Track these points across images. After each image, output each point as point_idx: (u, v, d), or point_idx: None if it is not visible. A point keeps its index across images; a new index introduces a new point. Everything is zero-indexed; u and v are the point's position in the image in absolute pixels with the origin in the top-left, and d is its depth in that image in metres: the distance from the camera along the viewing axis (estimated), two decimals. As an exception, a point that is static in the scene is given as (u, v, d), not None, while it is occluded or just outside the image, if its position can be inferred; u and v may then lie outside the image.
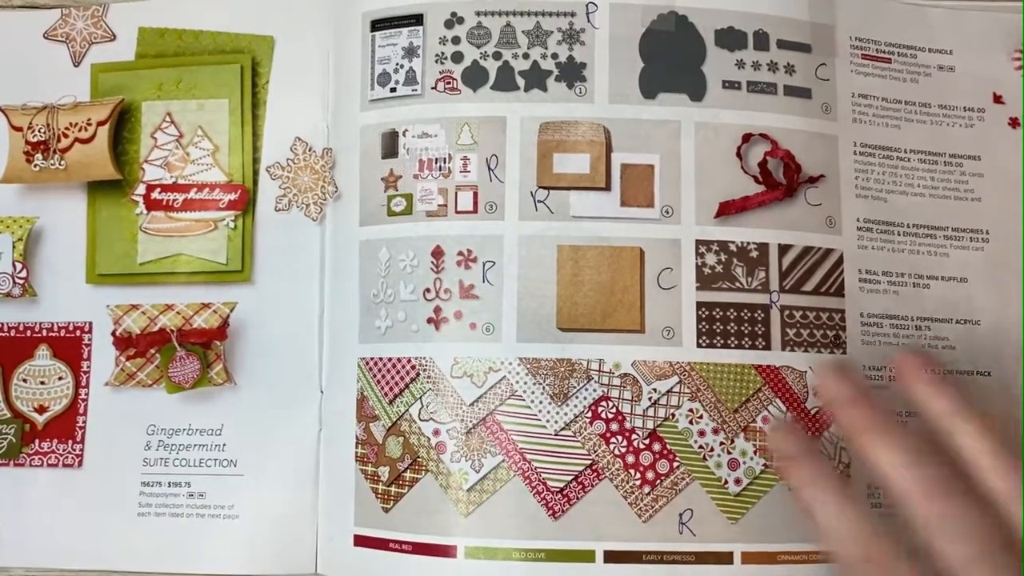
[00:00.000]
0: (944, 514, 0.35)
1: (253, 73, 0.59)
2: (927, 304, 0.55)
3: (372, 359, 0.53)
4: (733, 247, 0.53)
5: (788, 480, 0.42)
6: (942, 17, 0.58)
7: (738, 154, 0.53)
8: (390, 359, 0.53)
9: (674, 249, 0.52)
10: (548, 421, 0.51)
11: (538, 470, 0.51)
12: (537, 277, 0.52)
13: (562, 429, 0.51)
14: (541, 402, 0.51)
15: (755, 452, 0.51)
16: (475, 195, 0.53)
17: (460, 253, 0.52)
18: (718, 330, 0.52)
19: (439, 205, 0.53)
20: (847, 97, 0.56)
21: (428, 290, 0.53)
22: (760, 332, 0.52)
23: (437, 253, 0.53)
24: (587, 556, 0.50)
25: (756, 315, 0.52)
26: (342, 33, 0.57)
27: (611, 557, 0.50)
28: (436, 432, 0.52)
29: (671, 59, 0.54)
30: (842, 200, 0.54)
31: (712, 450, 0.51)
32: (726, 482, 0.51)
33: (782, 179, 0.53)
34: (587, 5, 0.54)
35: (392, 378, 0.53)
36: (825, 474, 0.39)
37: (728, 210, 0.53)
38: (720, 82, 0.54)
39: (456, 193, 0.53)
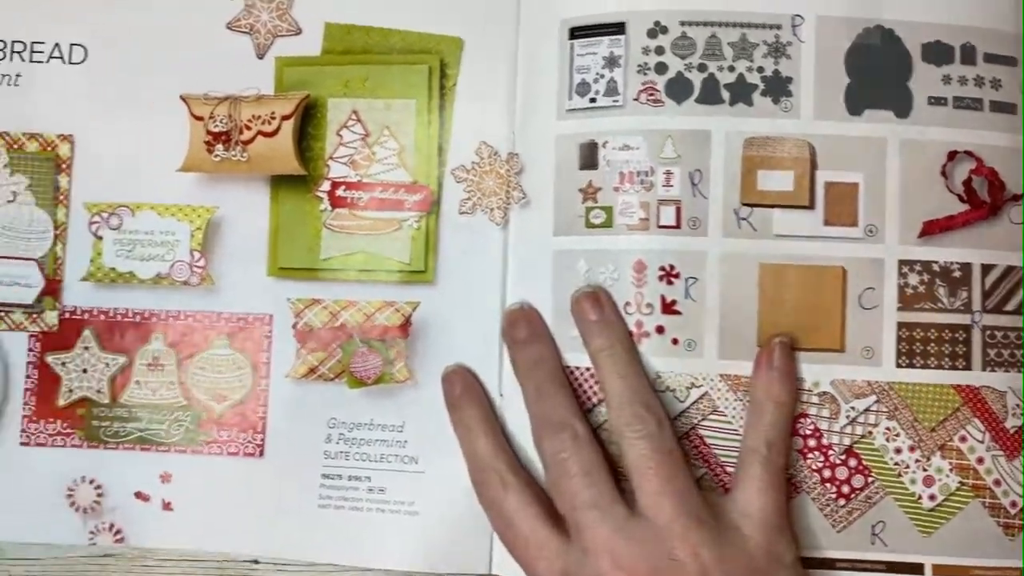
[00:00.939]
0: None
1: (441, 75, 0.59)
2: None
3: (566, 367, 0.54)
4: (936, 267, 0.53)
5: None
6: None
7: (943, 172, 0.53)
8: (588, 369, 0.53)
9: (877, 269, 0.53)
10: (749, 437, 0.52)
11: (738, 484, 0.51)
12: (739, 295, 0.52)
13: (762, 445, 0.51)
14: (742, 418, 0.52)
15: (951, 470, 0.52)
16: (678, 210, 0.53)
17: (662, 268, 0.53)
18: (918, 350, 0.52)
19: (641, 219, 0.53)
20: (1047, 110, 0.55)
21: (628, 304, 0.53)
22: (961, 352, 0.52)
23: (639, 267, 0.53)
24: (783, 566, 0.51)
25: (957, 335, 0.52)
26: (535, 39, 0.57)
27: (805, 564, 0.51)
28: (635, 443, 0.52)
29: (877, 74, 0.53)
30: (1045, 218, 0.54)
31: (908, 467, 0.52)
32: (920, 497, 0.52)
33: (986, 197, 0.53)
34: (793, 18, 0.54)
35: (590, 388, 0.53)
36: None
37: (932, 229, 0.53)
38: (926, 98, 0.53)
39: (658, 207, 0.53)
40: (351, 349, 0.57)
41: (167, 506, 0.58)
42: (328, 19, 0.60)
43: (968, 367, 0.53)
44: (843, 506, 0.52)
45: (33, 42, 0.60)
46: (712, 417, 0.52)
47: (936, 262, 0.53)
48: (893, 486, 0.52)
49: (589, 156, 0.55)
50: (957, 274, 0.53)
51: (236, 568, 0.58)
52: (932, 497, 0.52)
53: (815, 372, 0.52)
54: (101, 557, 0.58)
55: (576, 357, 0.54)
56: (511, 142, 0.58)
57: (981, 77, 0.54)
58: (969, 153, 0.54)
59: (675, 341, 0.53)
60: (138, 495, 0.58)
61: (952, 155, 0.54)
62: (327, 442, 0.58)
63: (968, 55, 0.54)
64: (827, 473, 0.52)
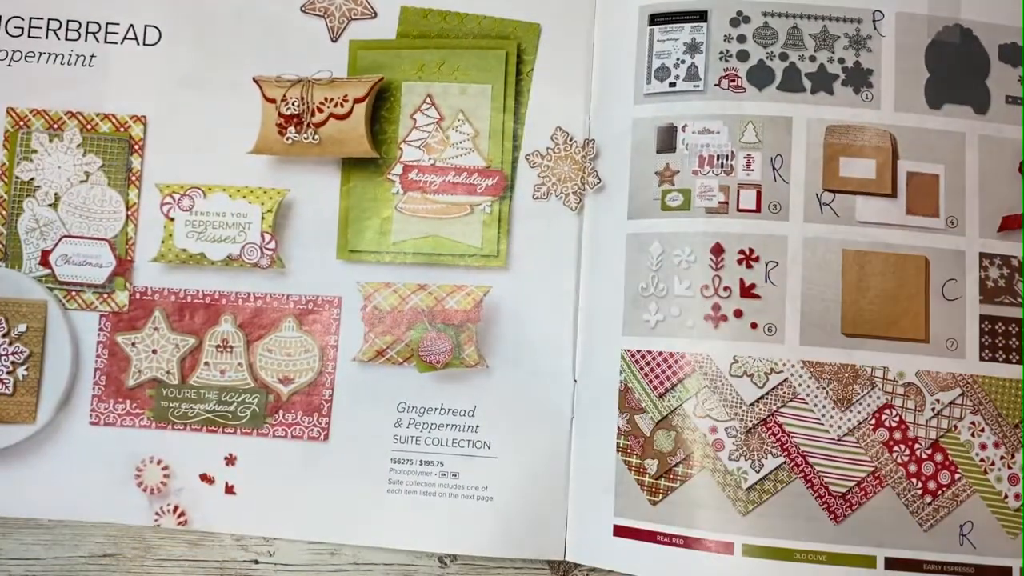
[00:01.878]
0: None
1: (518, 60, 0.59)
2: None
3: (639, 352, 0.54)
4: (1015, 262, 0.52)
5: None
6: None
7: (1020, 170, 0.53)
8: (660, 353, 0.53)
9: (958, 260, 0.52)
10: (831, 426, 0.51)
11: (820, 474, 0.51)
12: (821, 280, 0.52)
13: (845, 435, 0.51)
14: (824, 406, 0.52)
15: (1034, 467, 0.52)
16: (758, 194, 0.53)
17: (741, 251, 0.52)
18: (1000, 344, 0.52)
19: (720, 202, 0.53)
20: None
21: (706, 287, 0.53)
22: (1042, 348, 0.52)
23: (717, 250, 0.53)
24: (868, 561, 0.50)
25: (1038, 331, 0.52)
26: (613, 25, 0.57)
27: (892, 564, 0.50)
28: (713, 429, 0.52)
29: (956, 71, 0.53)
30: (1120, 218, 0.54)
31: (993, 464, 0.51)
32: (1006, 496, 0.51)
33: (1065, 195, 0.53)
34: (874, 13, 0.54)
35: (663, 372, 0.53)
36: None
37: (1011, 225, 0.52)
38: (1004, 97, 0.54)
39: (739, 191, 0.53)
40: (420, 333, 0.57)
41: (230, 489, 0.58)
42: (404, 3, 0.60)
43: (1050, 362, 0.52)
44: (929, 503, 0.51)
45: (108, 23, 0.61)
46: (792, 404, 0.52)
47: (1015, 257, 0.53)
48: (979, 483, 0.52)
49: (667, 139, 0.55)
50: (1037, 268, 0.53)
51: (236, 568, 0.57)
52: (1017, 496, 0.52)
53: (900, 362, 0.52)
54: (101, 557, 0.58)
55: (649, 341, 0.54)
56: (587, 128, 0.58)
57: (1058, 76, 0.54)
58: (1047, 150, 0.53)
59: (754, 325, 0.52)
60: (203, 477, 0.58)
61: (1030, 151, 0.53)
62: (396, 426, 0.58)
63: (1045, 55, 0.55)
64: (913, 468, 0.52)
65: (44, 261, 0.59)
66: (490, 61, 0.59)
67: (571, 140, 0.58)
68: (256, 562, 0.58)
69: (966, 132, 0.53)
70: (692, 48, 0.55)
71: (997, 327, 0.52)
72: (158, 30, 0.61)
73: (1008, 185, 0.53)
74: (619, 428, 0.54)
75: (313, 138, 0.58)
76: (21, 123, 0.60)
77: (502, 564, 0.56)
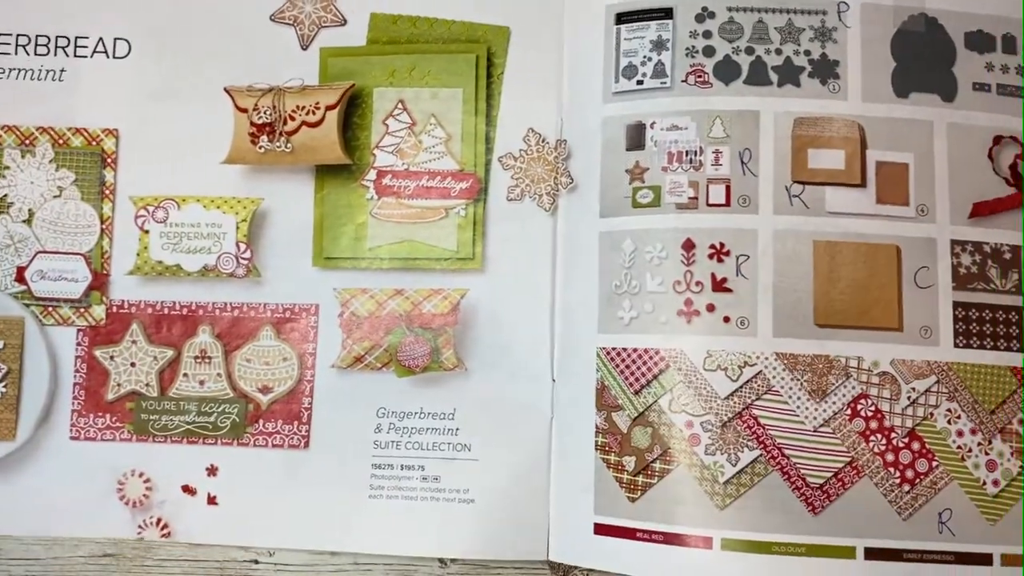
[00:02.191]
0: None
1: (488, 63, 0.59)
2: None
3: (614, 349, 0.54)
4: (987, 248, 0.52)
5: None
6: None
7: (990, 156, 0.53)
8: (635, 350, 0.53)
9: (930, 248, 0.52)
10: (807, 417, 0.51)
11: (797, 465, 0.51)
12: (793, 272, 0.52)
13: (821, 426, 0.51)
14: (799, 398, 0.52)
15: (1012, 454, 0.52)
16: (727, 188, 0.53)
17: (712, 246, 0.53)
18: (974, 331, 0.52)
19: (689, 198, 0.53)
20: (1087, 98, 0.55)
21: (678, 282, 0.53)
22: (1015, 334, 0.52)
23: (688, 246, 0.53)
24: (847, 552, 0.50)
25: (1011, 317, 0.52)
26: (581, 25, 0.57)
27: (871, 554, 0.50)
28: (688, 424, 0.52)
29: (922, 59, 0.54)
30: (1089, 202, 0.54)
31: (970, 451, 0.51)
32: (984, 483, 0.51)
33: (1033, 181, 0.53)
34: (838, 4, 0.54)
35: (638, 369, 0.53)
36: None
37: (982, 211, 0.53)
38: (970, 84, 0.54)
39: (708, 186, 0.53)
40: (398, 338, 0.57)
41: (212, 500, 0.58)
42: (374, 9, 0.60)
43: (1022, 349, 0.52)
44: (908, 492, 0.51)
45: (77, 37, 0.61)
46: (767, 397, 0.52)
47: (987, 243, 0.53)
48: (957, 470, 0.52)
49: (636, 137, 0.55)
50: (1008, 256, 0.53)
51: (236, 568, 0.57)
52: (995, 483, 0.52)
53: (874, 351, 0.52)
54: (101, 557, 0.57)
55: (624, 339, 0.54)
56: (558, 128, 0.58)
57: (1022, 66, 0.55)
58: (1014, 139, 0.54)
59: (726, 319, 0.52)
60: (185, 489, 0.58)
61: (998, 139, 0.54)
62: (376, 432, 0.58)
63: (1009, 44, 0.55)
64: (890, 457, 0.52)
65: (20, 277, 0.59)
66: (460, 65, 0.59)
67: (543, 141, 0.58)
68: (256, 562, 0.57)
69: (934, 120, 0.53)
70: (658, 45, 0.55)
71: (971, 313, 0.52)
72: (128, 43, 0.61)
73: (978, 172, 0.53)
74: (597, 426, 0.54)
75: (286, 146, 0.58)
76: (-7, 140, 0.60)
77: (502, 564, 0.56)
